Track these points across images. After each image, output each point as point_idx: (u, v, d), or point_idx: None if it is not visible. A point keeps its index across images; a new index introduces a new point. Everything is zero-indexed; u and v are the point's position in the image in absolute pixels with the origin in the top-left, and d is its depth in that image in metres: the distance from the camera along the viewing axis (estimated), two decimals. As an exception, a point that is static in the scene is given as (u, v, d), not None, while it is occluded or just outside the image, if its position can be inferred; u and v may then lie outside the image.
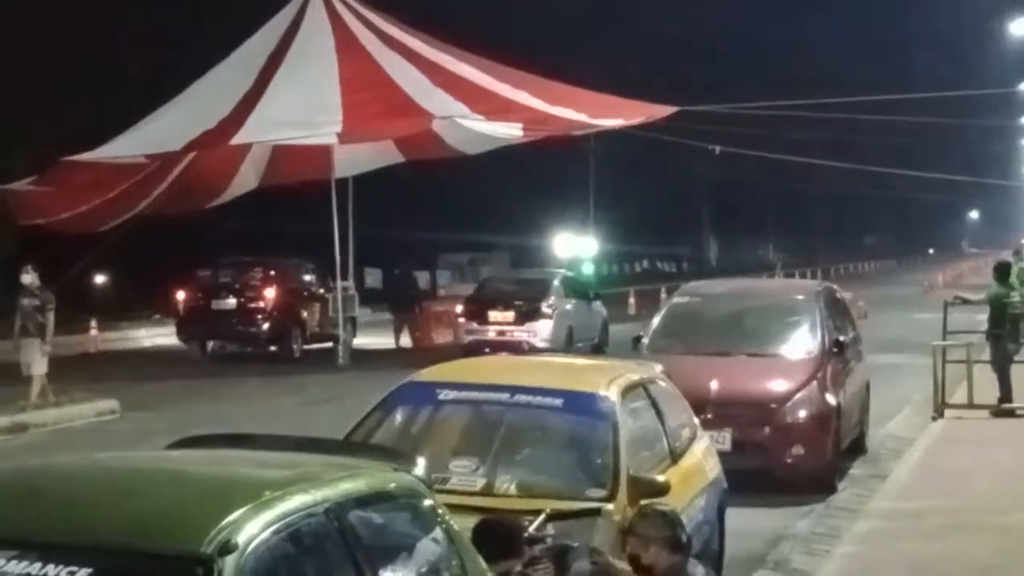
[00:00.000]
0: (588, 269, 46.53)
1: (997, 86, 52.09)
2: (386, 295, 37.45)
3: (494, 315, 28.15)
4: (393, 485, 5.21)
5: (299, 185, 29.47)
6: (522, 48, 32.71)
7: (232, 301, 29.04)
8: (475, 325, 28.19)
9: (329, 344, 28.94)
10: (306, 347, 29.28)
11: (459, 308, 29.55)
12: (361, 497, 4.89)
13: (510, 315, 27.98)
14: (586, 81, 29.13)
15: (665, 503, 7.51)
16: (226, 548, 4.11)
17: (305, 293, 30.16)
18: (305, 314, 29.47)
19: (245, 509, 4.30)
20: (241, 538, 4.17)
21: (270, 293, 29.00)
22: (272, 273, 29.75)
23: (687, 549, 6.97)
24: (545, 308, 28.17)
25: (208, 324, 29.13)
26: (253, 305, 29.04)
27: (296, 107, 24.74)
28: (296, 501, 4.51)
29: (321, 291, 30.18)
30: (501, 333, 27.71)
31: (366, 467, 5.24)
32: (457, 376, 9.07)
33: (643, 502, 7.58)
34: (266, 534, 4.28)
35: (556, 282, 29.46)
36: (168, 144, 24.78)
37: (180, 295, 30.03)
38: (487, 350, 25.02)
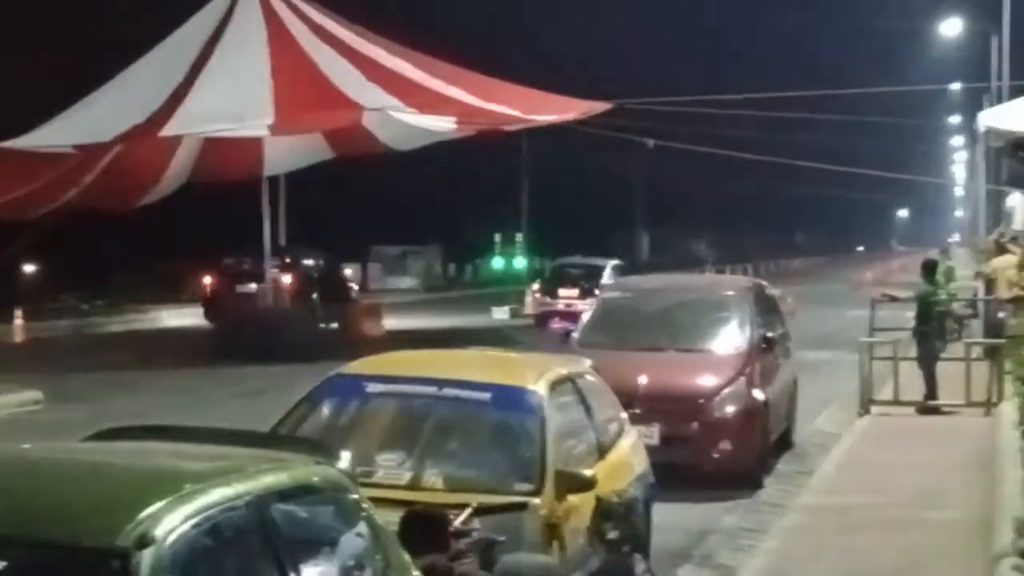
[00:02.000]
0: (520, 263, 46.67)
1: (928, 85, 52.63)
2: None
3: (563, 292, 34.80)
4: (317, 478, 5.17)
5: (229, 181, 29.27)
6: (456, 44, 32.64)
7: (253, 286, 30.65)
8: (548, 299, 34.86)
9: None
10: None
11: (535, 286, 37.20)
12: (284, 490, 4.84)
13: (575, 292, 34.16)
14: (520, 78, 29.16)
15: (618, 496, 7.51)
16: (144, 541, 4.06)
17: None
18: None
19: (164, 502, 4.25)
20: (159, 531, 4.12)
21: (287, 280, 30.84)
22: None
23: (611, 545, 6.97)
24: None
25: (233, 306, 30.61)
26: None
27: (227, 99, 24.54)
28: (217, 494, 4.46)
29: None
30: (568, 305, 33.12)
31: (290, 460, 5.19)
32: (385, 369, 9.03)
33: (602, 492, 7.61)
34: (186, 527, 4.23)
35: (609, 267, 35.85)
36: (97, 135, 24.52)
37: (207, 280, 32.83)
38: (556, 319, 31.08)
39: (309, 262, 31.94)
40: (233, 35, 26.55)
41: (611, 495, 7.80)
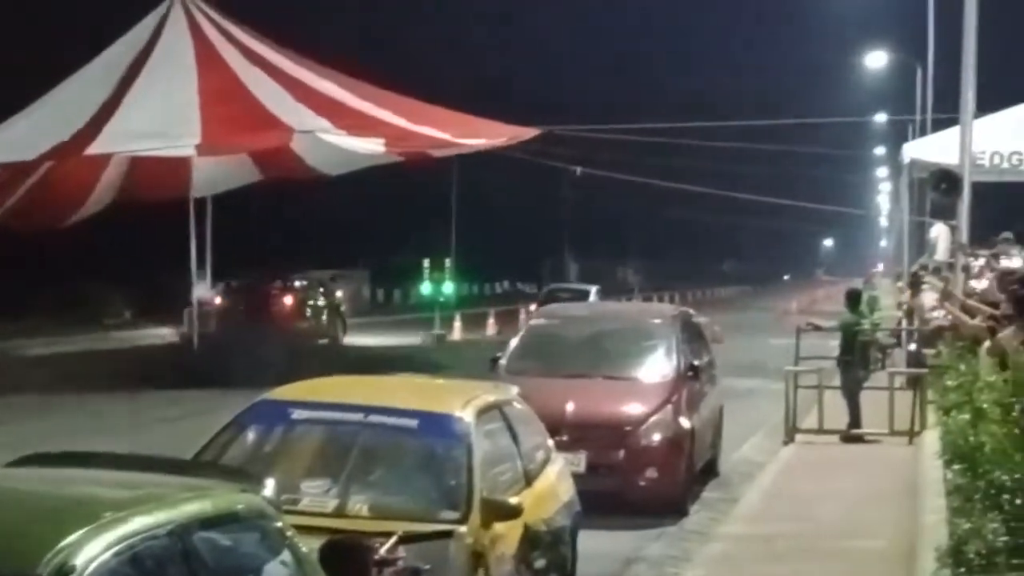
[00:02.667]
0: (448, 289, 46.70)
1: (853, 117, 53.25)
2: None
3: None
4: (240, 506, 5.11)
5: (157, 202, 29.07)
6: (385, 67, 32.66)
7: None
8: None
9: None
10: None
11: (532, 307, 38.65)
12: (207, 519, 4.78)
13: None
14: (451, 102, 29.19)
15: (545, 524, 7.48)
16: (63, 571, 3.99)
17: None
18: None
19: (84, 531, 4.18)
20: (79, 560, 4.05)
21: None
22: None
23: (538, 574, 6.95)
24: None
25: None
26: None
27: (154, 119, 24.39)
28: (138, 522, 4.40)
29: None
30: None
31: (213, 488, 5.13)
32: (311, 395, 8.96)
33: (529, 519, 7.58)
34: (106, 556, 4.16)
35: (593, 292, 44.10)
36: (22, 153, 24.25)
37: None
38: None
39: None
40: (161, 55, 26.41)
41: (539, 523, 7.79)
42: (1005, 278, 12.80)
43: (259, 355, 28.42)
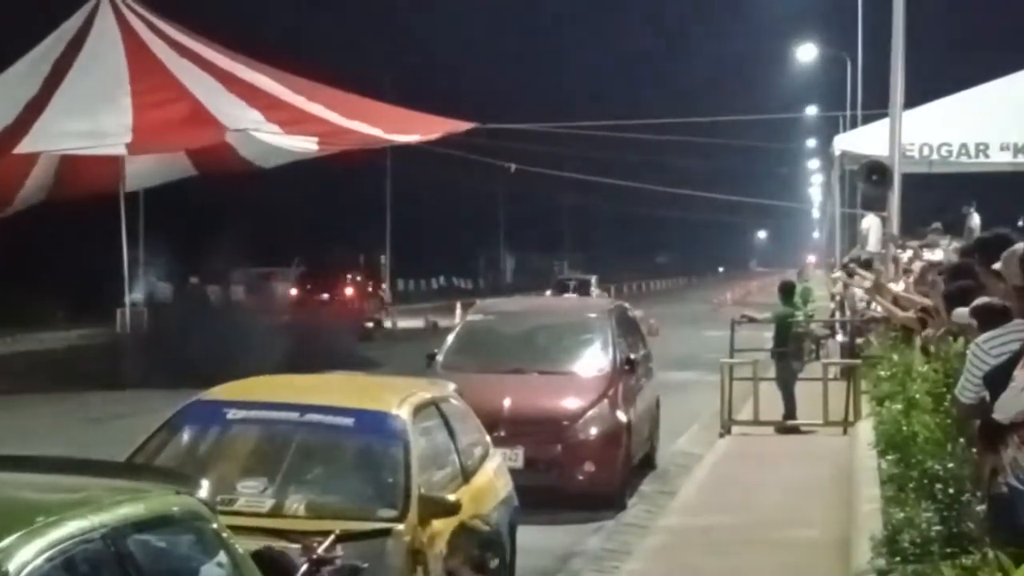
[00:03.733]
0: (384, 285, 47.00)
1: (784, 110, 53.69)
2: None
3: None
4: (175, 509, 5.07)
5: (88, 198, 28.74)
6: (319, 61, 32.52)
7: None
8: None
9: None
10: None
11: (548, 293, 44.98)
12: (141, 521, 4.73)
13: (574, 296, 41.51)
14: (385, 95, 29.11)
15: (485, 523, 7.45)
16: (-6, 577, 3.94)
17: None
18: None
19: (16, 536, 4.13)
20: (12, 566, 4.01)
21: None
22: None
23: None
24: (592, 291, 47.44)
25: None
26: None
27: (84, 116, 24.12)
28: (72, 527, 4.35)
29: None
30: None
31: (147, 490, 5.08)
32: (246, 395, 8.90)
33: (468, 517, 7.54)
34: (39, 561, 4.12)
35: (593, 280, 51.12)
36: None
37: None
38: None
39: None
40: (90, 51, 26.12)
41: (476, 521, 7.76)
42: (925, 275, 12.92)
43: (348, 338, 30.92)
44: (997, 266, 7.07)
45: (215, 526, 5.25)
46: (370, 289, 44.56)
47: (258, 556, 5.98)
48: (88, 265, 31.78)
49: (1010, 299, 7.03)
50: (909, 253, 18.67)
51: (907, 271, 16.79)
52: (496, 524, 8.03)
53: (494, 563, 6.59)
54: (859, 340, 20.51)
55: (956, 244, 18.04)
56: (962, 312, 7.57)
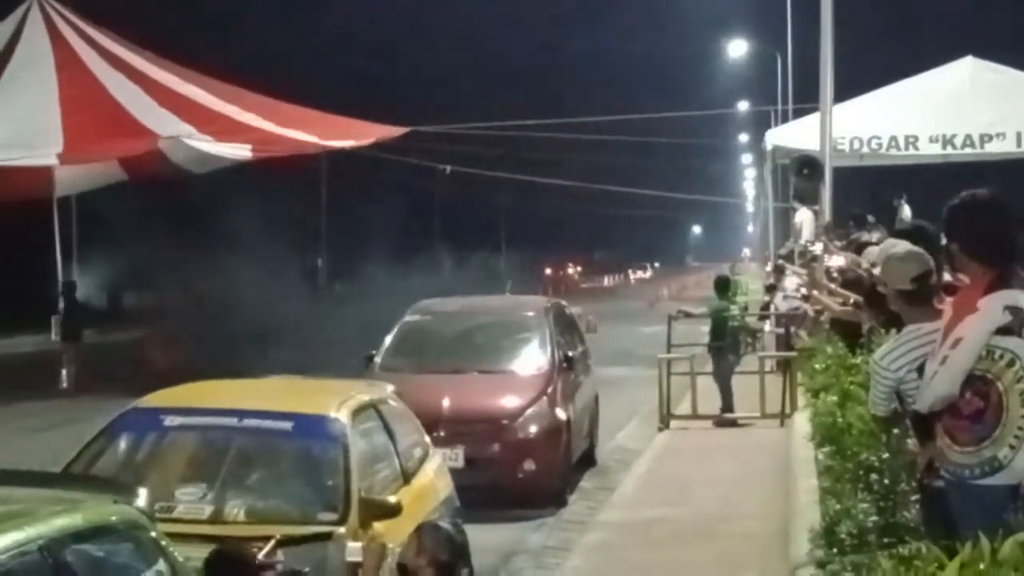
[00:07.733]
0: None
1: (718, 106, 54.01)
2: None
3: None
4: (114, 518, 5.06)
5: (19, 204, 28.41)
6: (250, 69, 32.33)
7: None
8: None
9: None
10: None
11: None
12: (79, 532, 4.72)
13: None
14: (317, 102, 29.00)
15: (449, 523, 7.43)
16: (-70, 592, 3.91)
17: None
18: None
19: (-48, 550, 4.11)
20: (-53, 581, 3.98)
21: None
22: None
23: None
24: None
25: None
26: None
27: (13, 127, 23.80)
28: (8, 539, 4.33)
29: None
30: None
31: (84, 500, 5.07)
32: (183, 401, 8.87)
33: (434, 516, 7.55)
34: (-25, 575, 4.10)
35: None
36: None
37: None
38: None
39: None
40: (19, 62, 25.81)
41: (448, 524, 7.73)
42: (847, 272, 13.04)
43: None
44: (877, 270, 7.01)
45: (154, 534, 5.24)
46: None
47: (218, 553, 5.92)
48: (20, 272, 31.42)
49: (895, 304, 6.96)
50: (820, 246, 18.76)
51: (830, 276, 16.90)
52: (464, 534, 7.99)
53: (464, 573, 6.56)
54: (793, 330, 20.65)
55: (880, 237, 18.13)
56: None
